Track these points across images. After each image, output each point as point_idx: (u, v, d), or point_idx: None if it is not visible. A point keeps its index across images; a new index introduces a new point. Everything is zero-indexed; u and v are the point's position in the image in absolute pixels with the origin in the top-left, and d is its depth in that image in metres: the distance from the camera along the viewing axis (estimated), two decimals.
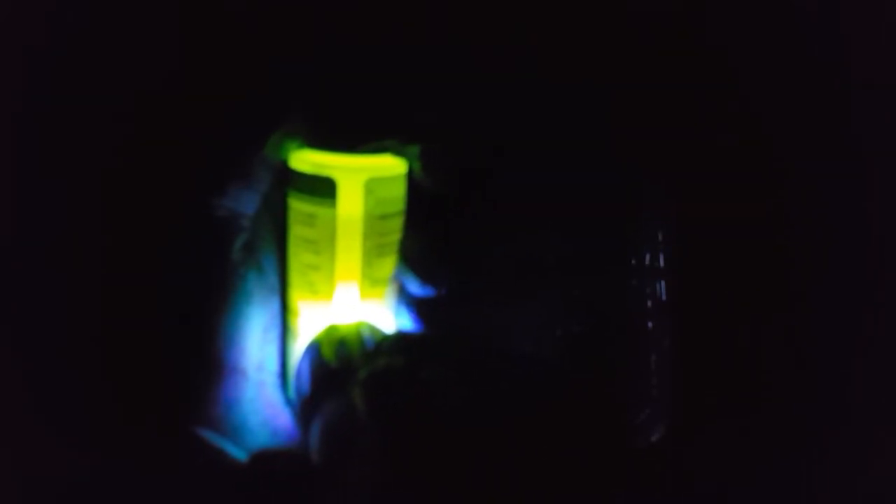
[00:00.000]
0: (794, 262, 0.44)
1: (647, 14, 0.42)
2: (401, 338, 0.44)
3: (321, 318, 0.45)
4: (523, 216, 0.44)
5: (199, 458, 0.42)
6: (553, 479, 0.38)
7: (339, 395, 0.40)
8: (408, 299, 0.46)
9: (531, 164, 0.44)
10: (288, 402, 0.46)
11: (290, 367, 0.46)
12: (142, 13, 0.40)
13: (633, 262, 0.44)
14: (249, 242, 0.45)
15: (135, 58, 0.41)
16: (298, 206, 0.44)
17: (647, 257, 0.44)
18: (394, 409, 0.39)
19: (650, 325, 0.44)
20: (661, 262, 0.44)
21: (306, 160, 0.43)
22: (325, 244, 0.44)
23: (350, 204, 0.43)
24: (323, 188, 0.43)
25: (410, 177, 0.45)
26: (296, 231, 0.45)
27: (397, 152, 0.44)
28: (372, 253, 0.44)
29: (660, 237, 0.44)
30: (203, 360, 0.44)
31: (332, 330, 0.44)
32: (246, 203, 0.44)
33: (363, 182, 0.43)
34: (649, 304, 0.44)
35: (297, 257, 0.45)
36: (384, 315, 0.46)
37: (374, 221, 0.44)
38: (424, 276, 0.45)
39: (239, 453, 0.43)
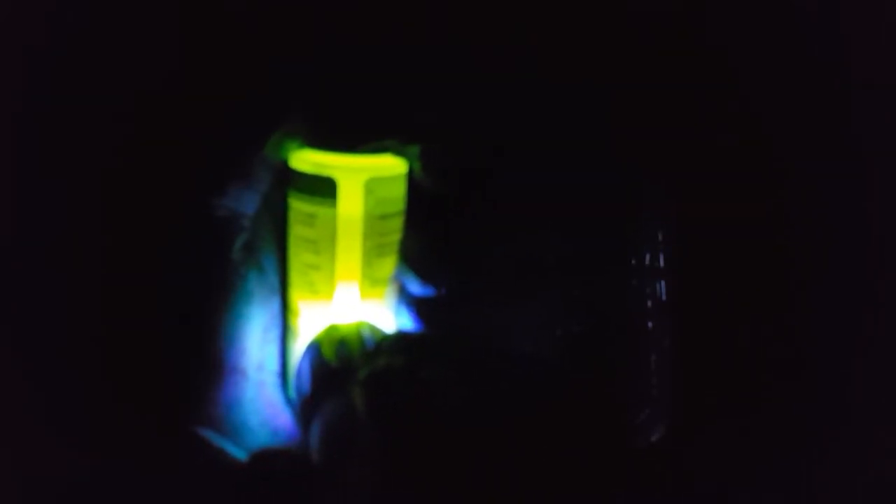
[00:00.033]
0: (794, 262, 0.44)
1: (647, 14, 0.42)
2: (401, 338, 0.44)
3: (321, 318, 0.45)
4: (523, 216, 0.44)
5: (199, 458, 0.42)
6: (553, 479, 0.38)
7: (339, 394, 0.40)
8: (408, 299, 0.46)
9: (531, 164, 0.44)
10: (288, 401, 0.46)
11: (290, 366, 0.46)
12: (142, 13, 0.40)
13: (633, 262, 0.44)
14: (250, 242, 0.45)
15: (135, 58, 0.41)
16: (299, 206, 0.44)
17: (647, 257, 0.44)
18: (394, 409, 0.39)
19: (650, 325, 0.44)
20: (661, 262, 0.44)
21: (306, 160, 0.44)
22: (326, 244, 0.44)
23: (350, 204, 0.43)
24: (323, 188, 0.43)
25: (410, 177, 0.45)
26: (296, 231, 0.45)
27: (397, 152, 0.44)
28: (372, 253, 0.44)
29: (660, 237, 0.44)
30: (203, 360, 0.44)
31: (332, 330, 0.44)
32: (246, 203, 0.44)
33: (363, 182, 0.43)
34: (649, 304, 0.44)
35: (298, 257, 0.45)
36: (384, 315, 0.46)
37: (374, 221, 0.44)
38: (424, 276, 0.45)
39: (239, 453, 0.43)
